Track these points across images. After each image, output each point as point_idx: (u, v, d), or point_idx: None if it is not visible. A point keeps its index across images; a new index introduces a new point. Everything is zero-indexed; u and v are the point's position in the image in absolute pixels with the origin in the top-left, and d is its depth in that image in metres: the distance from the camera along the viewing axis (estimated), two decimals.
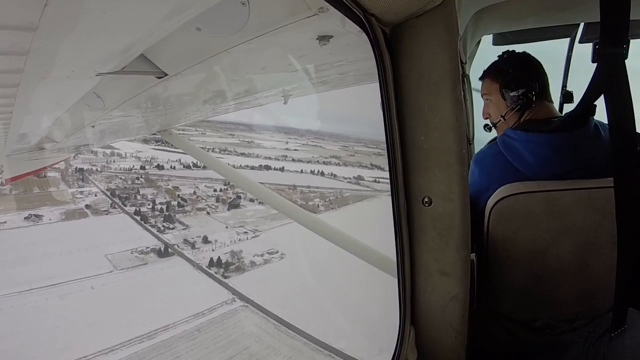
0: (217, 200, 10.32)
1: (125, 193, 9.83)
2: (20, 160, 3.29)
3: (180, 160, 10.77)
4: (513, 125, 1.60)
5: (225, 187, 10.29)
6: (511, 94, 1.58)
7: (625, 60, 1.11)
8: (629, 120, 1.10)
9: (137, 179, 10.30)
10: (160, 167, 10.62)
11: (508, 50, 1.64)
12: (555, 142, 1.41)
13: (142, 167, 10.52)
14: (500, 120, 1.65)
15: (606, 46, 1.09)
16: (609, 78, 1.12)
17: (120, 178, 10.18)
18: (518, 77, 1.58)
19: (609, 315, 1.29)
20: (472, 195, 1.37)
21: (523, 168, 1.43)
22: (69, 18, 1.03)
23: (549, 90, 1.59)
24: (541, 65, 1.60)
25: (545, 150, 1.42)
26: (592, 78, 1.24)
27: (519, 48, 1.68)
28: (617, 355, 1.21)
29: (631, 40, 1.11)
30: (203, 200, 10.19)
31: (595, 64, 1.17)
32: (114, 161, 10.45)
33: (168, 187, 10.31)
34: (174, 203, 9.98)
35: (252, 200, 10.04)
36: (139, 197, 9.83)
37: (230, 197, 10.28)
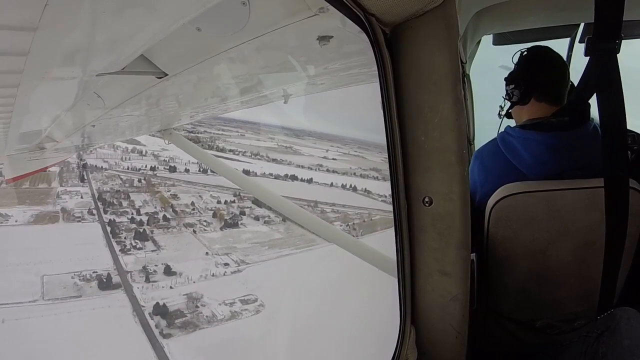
0: (214, 216, 8.17)
1: (112, 197, 8.17)
2: (21, 160, 3.29)
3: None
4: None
5: (234, 199, 8.36)
6: (506, 89, 1.61)
7: (618, 56, 1.12)
8: (619, 115, 1.11)
9: (138, 181, 8.63)
10: (172, 169, 8.79)
11: (528, 48, 1.65)
12: (551, 142, 1.43)
13: (152, 168, 8.68)
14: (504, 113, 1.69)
15: (599, 41, 1.10)
16: (601, 72, 1.13)
17: (120, 179, 8.56)
18: (513, 73, 1.60)
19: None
20: (470, 191, 1.38)
21: (520, 166, 1.45)
22: (69, 18, 1.03)
23: (551, 90, 1.56)
24: (547, 64, 1.59)
25: (540, 149, 1.43)
26: (584, 72, 1.25)
27: (519, 48, 1.70)
28: (615, 355, 1.21)
29: (630, 40, 1.12)
30: (197, 214, 8.26)
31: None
32: (127, 159, 8.70)
33: (165, 194, 8.49)
34: (159, 215, 8.01)
35: (256, 219, 8.14)
36: (124, 203, 8.06)
37: (231, 213, 8.27)
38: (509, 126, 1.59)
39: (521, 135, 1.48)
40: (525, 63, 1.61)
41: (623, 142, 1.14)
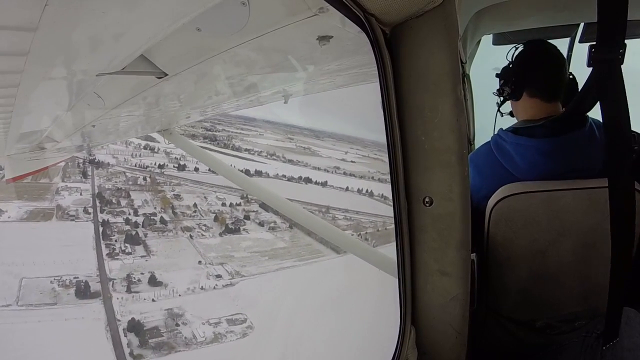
0: (215, 219, 7.34)
1: (112, 196, 7.47)
2: (21, 160, 3.29)
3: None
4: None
5: (240, 202, 7.52)
6: (499, 85, 1.61)
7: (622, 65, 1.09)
8: (624, 125, 1.09)
9: (144, 179, 7.89)
10: (182, 167, 8.06)
11: (524, 43, 1.61)
12: (545, 148, 1.41)
13: (161, 166, 7.95)
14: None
15: (602, 51, 1.06)
16: (604, 83, 1.09)
17: (125, 176, 7.81)
18: (505, 69, 1.59)
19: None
20: None
21: (514, 171, 1.43)
22: (69, 18, 1.02)
23: (544, 84, 1.53)
24: (539, 58, 1.56)
25: (533, 155, 1.41)
26: (586, 82, 1.23)
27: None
28: (615, 355, 1.21)
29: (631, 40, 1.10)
30: (197, 217, 7.45)
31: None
32: (139, 155, 7.95)
33: (168, 194, 7.71)
34: (157, 217, 7.24)
35: (261, 225, 7.32)
36: (123, 203, 7.33)
37: (234, 217, 7.44)
38: (501, 129, 1.56)
39: (513, 141, 1.46)
40: (517, 58, 1.58)
41: (628, 151, 1.11)
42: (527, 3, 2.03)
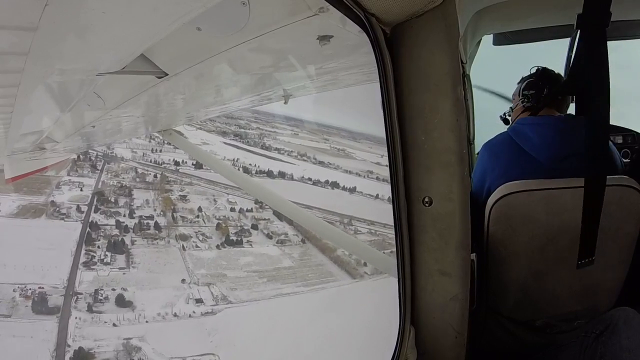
0: (217, 228, 6.39)
1: (112, 194, 6.59)
2: (21, 160, 3.29)
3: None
4: None
5: (252, 208, 6.47)
6: (524, 92, 1.73)
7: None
8: (604, 96, 1.18)
9: (154, 177, 6.93)
10: (198, 165, 7.05)
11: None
12: (562, 126, 1.52)
13: (177, 163, 6.93)
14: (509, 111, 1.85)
15: (589, 17, 1.13)
16: (591, 47, 1.17)
17: (135, 172, 6.86)
18: (534, 81, 1.72)
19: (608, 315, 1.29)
20: (478, 180, 1.43)
21: (528, 148, 1.51)
22: (69, 18, 1.03)
23: (561, 103, 1.69)
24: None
25: (550, 131, 1.52)
26: (576, 48, 1.32)
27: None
28: (614, 355, 1.21)
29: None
30: (197, 224, 6.50)
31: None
32: (157, 150, 6.89)
33: (173, 194, 6.80)
34: (152, 221, 6.29)
35: (269, 237, 6.25)
36: (121, 202, 6.46)
37: (239, 226, 6.42)
38: (521, 118, 1.67)
39: (534, 122, 1.58)
40: (543, 75, 1.72)
41: (604, 127, 1.22)
42: (527, 3, 2.04)
